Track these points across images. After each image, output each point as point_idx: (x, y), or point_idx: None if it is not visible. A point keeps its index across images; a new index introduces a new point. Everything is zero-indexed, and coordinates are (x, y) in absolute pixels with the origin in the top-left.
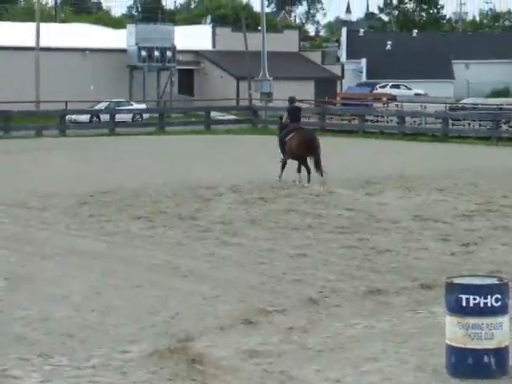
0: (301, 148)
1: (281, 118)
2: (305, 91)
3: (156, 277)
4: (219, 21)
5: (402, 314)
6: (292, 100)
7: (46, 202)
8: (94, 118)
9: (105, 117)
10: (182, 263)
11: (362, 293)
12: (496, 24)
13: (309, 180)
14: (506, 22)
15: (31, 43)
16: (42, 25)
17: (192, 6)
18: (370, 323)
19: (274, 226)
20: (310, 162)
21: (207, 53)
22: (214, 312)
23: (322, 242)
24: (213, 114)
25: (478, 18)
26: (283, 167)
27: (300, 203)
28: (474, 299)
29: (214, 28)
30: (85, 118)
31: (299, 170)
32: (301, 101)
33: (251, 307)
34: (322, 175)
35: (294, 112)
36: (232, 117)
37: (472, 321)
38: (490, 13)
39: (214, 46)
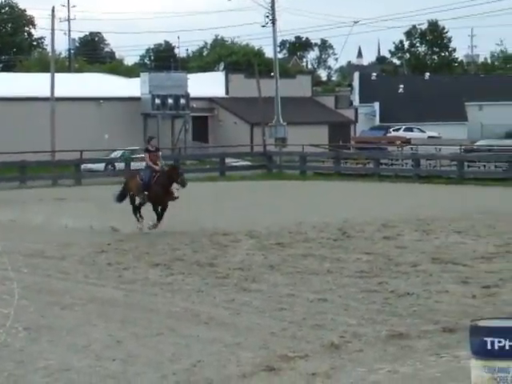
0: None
1: None
2: (319, 135)
3: (176, 324)
4: (232, 67)
5: (425, 358)
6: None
7: (63, 251)
8: (109, 167)
9: (120, 165)
10: (201, 310)
11: (384, 337)
12: (508, 66)
13: None
14: None
15: (46, 93)
16: (57, 75)
17: (204, 54)
18: (394, 368)
19: (293, 271)
20: None
21: (221, 99)
22: (236, 359)
23: (341, 287)
24: (227, 160)
25: (489, 61)
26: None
27: (318, 248)
28: (499, 342)
29: (227, 75)
30: (100, 166)
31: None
32: (316, 145)
33: (273, 354)
34: None
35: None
36: (246, 163)
37: (499, 364)
38: (501, 55)
39: (227, 92)
